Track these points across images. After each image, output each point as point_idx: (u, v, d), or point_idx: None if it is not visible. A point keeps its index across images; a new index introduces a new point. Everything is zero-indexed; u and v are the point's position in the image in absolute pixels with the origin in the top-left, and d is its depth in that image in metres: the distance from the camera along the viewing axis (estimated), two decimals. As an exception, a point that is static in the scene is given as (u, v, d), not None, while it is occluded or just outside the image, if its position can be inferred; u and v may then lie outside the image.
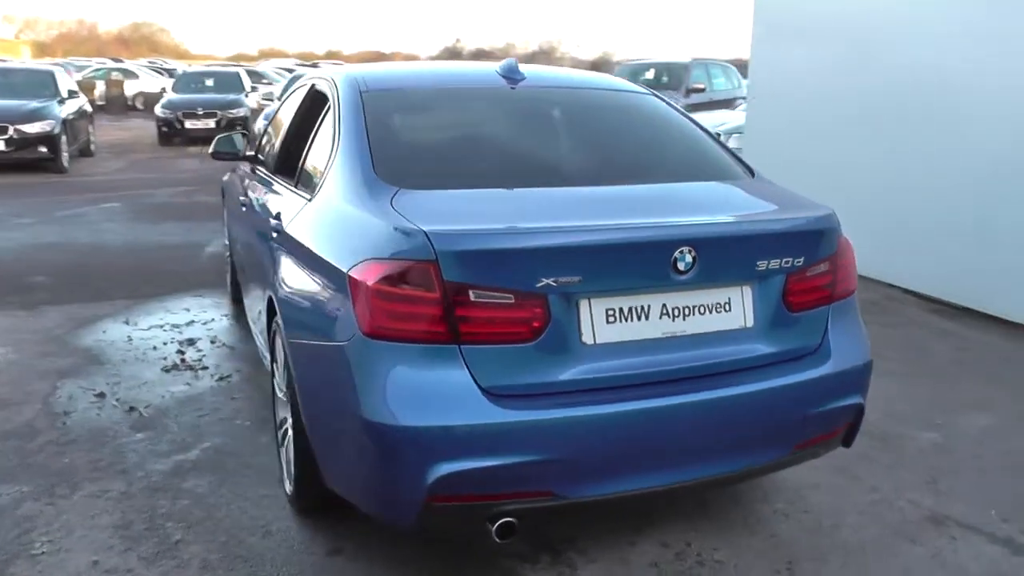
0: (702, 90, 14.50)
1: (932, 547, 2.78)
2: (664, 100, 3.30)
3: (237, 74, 18.84)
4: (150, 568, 2.58)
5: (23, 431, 3.53)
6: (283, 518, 2.86)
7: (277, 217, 3.02)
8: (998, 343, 4.87)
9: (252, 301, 3.73)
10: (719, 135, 6.51)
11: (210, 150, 4.61)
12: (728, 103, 13.33)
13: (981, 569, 2.67)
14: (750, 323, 2.38)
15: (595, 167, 2.82)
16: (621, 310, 2.21)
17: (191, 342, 4.69)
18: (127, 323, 5.00)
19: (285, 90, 12.87)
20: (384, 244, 2.12)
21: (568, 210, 2.35)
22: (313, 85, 3.63)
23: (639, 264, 2.20)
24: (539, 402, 2.11)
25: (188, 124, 15.61)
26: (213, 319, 5.13)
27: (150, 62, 39.09)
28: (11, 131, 10.98)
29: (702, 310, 2.31)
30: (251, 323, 4.10)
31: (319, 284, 2.42)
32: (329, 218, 2.55)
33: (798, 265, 2.42)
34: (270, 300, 2.95)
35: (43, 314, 5.12)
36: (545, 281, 2.08)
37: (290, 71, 31.54)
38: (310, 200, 2.78)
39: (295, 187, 3.11)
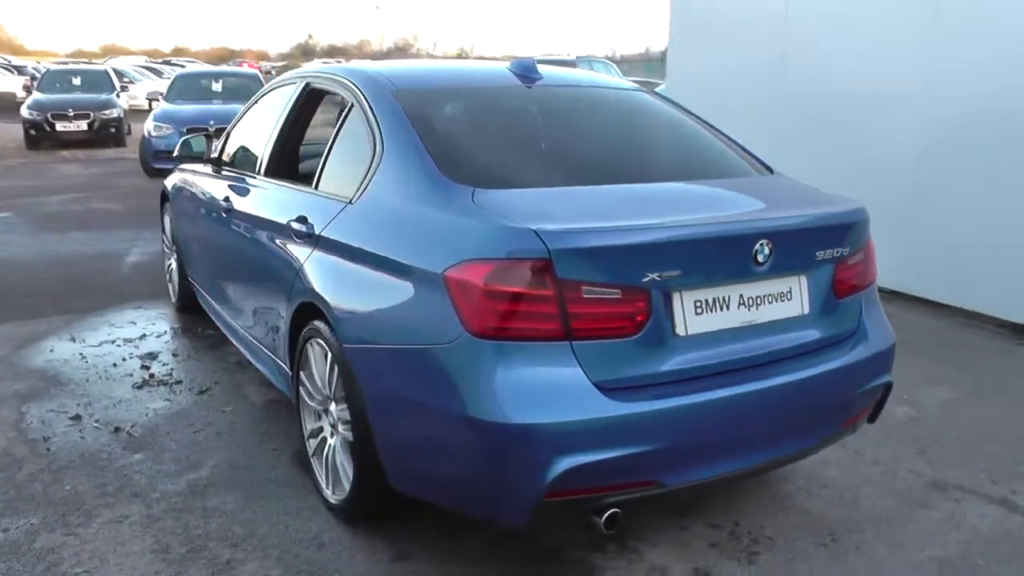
0: None
1: (944, 511, 3.02)
2: (668, 99, 3.43)
3: (106, 72, 17.70)
4: (211, 591, 2.46)
5: (3, 461, 3.26)
6: (331, 528, 2.79)
7: (302, 221, 2.93)
8: (929, 323, 5.30)
9: (251, 310, 3.58)
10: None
11: (175, 153, 4.39)
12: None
13: (989, 528, 2.93)
14: (807, 310, 2.52)
15: (646, 164, 2.90)
16: (707, 301, 2.30)
17: (152, 356, 4.45)
18: (73, 340, 4.68)
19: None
20: (489, 244, 2.12)
21: (652, 207, 2.42)
22: (309, 84, 3.54)
23: (727, 257, 2.30)
24: (644, 393, 2.17)
25: (59, 126, 14.53)
26: (166, 331, 4.88)
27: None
28: None
29: (770, 300, 2.43)
30: (235, 332, 3.93)
31: (392, 287, 2.38)
32: (392, 220, 2.51)
33: (844, 254, 2.59)
34: (303, 307, 2.86)
35: (-27, 335, 4.72)
36: (650, 276, 2.15)
37: (151, 69, 30.07)
38: (350, 203, 2.72)
39: (316, 190, 3.03)
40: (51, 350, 4.51)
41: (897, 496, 3.12)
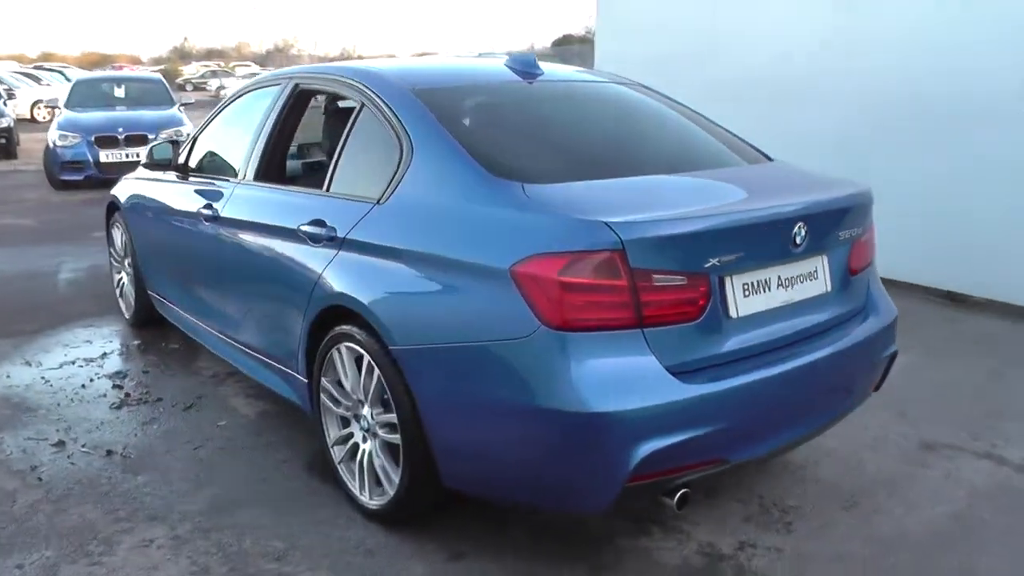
0: None
1: (941, 469, 3.24)
2: (656, 92, 3.52)
3: (-12, 80, 16.64)
4: (270, 607, 2.40)
5: (-6, 494, 3.07)
6: (372, 535, 2.75)
7: (318, 224, 2.87)
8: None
9: (247, 319, 3.47)
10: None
11: (144, 161, 4.21)
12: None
13: (984, 481, 3.15)
14: (829, 288, 2.66)
15: (669, 155, 2.97)
16: (753, 284, 2.39)
17: (121, 375, 4.25)
18: (29, 364, 4.42)
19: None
20: (561, 238, 2.15)
21: (698, 195, 2.50)
22: (298, 85, 3.46)
23: (772, 240, 2.40)
24: (709, 375, 2.25)
25: (-59, 140, 13.57)
26: (127, 348, 4.67)
27: None
28: None
29: (801, 279, 2.55)
30: (221, 344, 3.80)
31: (446, 286, 2.37)
32: (436, 218, 2.49)
33: (859, 233, 2.74)
34: (326, 312, 2.81)
35: (-86, 364, 4.39)
36: (711, 261, 2.23)
37: (29, 76, 28.30)
38: (377, 203, 2.69)
39: (328, 192, 2.98)
40: (7, 376, 4.24)
41: (896, 459, 3.31)
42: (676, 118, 3.24)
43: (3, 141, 14.03)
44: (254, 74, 42.25)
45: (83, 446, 3.46)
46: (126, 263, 4.93)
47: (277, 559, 2.63)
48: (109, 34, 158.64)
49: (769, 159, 3.16)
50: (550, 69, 3.38)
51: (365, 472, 2.80)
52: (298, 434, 3.52)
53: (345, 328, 2.73)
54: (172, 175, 4.18)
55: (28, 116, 22.70)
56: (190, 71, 57.47)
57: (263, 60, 73.66)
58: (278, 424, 3.64)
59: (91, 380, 4.19)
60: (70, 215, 8.96)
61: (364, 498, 2.81)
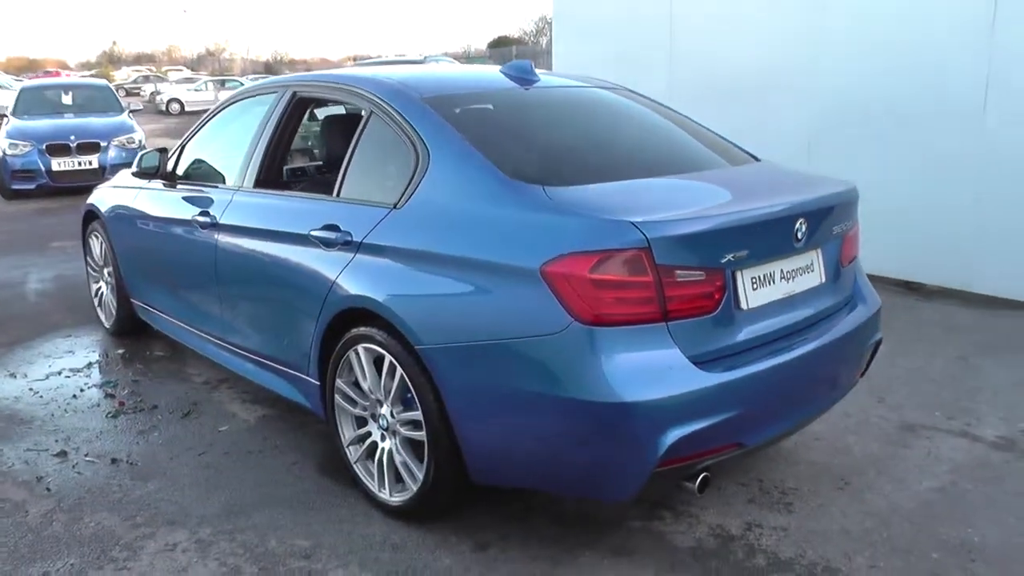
0: None
1: (921, 448, 3.44)
2: (644, 96, 3.66)
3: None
4: (307, 603, 2.46)
5: (3, 508, 3.05)
6: (394, 531, 2.82)
7: (332, 229, 2.93)
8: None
9: (252, 325, 3.50)
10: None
11: (133, 169, 4.19)
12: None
13: (962, 458, 3.36)
14: (823, 280, 2.82)
15: (672, 157, 3.10)
16: (760, 277, 2.54)
17: (112, 384, 4.24)
18: (14, 376, 4.37)
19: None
20: (590, 237, 2.25)
21: (711, 195, 2.64)
22: (296, 93, 3.51)
23: (776, 235, 2.55)
24: (726, 364, 2.38)
25: None
26: (111, 357, 4.64)
27: None
28: None
29: (799, 272, 2.71)
30: (220, 350, 3.82)
31: (472, 286, 2.46)
32: (457, 221, 2.57)
33: (849, 228, 2.91)
34: (342, 315, 2.87)
35: None
36: (727, 257, 2.37)
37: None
38: (395, 207, 2.77)
39: (339, 198, 3.04)
40: (-7, 388, 4.19)
41: (880, 440, 3.50)
42: (670, 121, 3.38)
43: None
44: (188, 79, 41.25)
45: (86, 456, 3.45)
46: (105, 272, 4.89)
47: (305, 557, 2.69)
48: (33, 38, 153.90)
49: (756, 159, 3.33)
50: (542, 75, 3.49)
51: (385, 469, 2.87)
52: (303, 437, 3.57)
53: (363, 330, 2.80)
54: (159, 183, 4.17)
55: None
56: (122, 76, 56.05)
57: (195, 64, 72.11)
58: (281, 428, 3.68)
59: (81, 390, 4.16)
60: (26, 225, 8.76)
61: (384, 495, 2.89)
